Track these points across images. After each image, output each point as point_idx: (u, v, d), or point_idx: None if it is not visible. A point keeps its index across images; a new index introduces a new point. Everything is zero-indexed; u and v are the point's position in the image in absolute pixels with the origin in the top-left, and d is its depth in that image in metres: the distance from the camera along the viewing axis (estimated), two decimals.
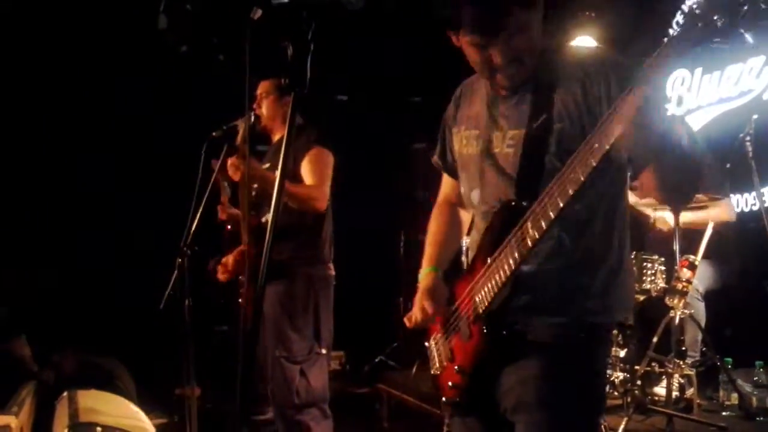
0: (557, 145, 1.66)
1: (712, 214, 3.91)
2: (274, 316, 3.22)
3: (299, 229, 3.25)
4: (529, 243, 1.59)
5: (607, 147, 1.45)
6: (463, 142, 1.88)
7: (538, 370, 1.68)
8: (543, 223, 1.56)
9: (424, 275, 1.93)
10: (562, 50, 1.77)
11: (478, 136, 1.83)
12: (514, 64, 1.68)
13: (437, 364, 1.90)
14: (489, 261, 1.71)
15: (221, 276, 3.39)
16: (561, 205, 1.52)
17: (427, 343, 1.96)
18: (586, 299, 1.70)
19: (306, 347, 3.26)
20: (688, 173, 1.65)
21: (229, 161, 3.17)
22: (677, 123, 1.57)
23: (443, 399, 1.85)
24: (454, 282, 1.88)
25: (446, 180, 2.08)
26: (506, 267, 1.65)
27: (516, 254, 1.63)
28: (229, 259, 3.36)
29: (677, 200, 1.74)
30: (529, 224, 1.60)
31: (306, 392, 3.23)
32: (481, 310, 1.72)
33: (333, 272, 3.43)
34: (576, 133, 1.63)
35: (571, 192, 1.50)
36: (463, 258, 2.55)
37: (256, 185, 3.18)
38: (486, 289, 1.71)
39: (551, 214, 1.54)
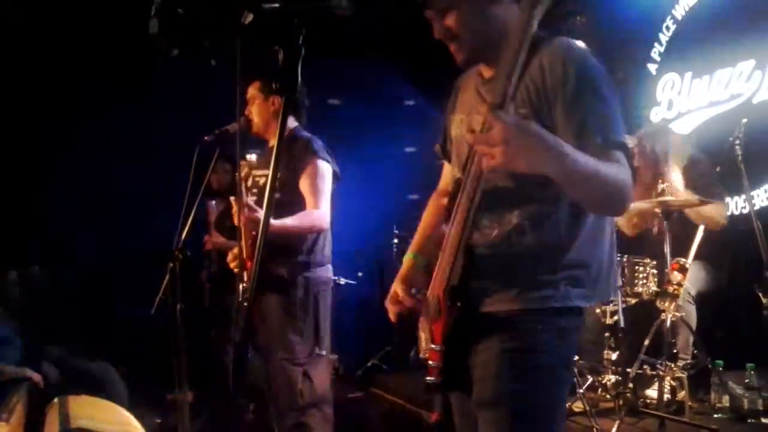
0: None
1: (705, 210, 3.92)
2: (276, 321, 3.23)
3: (294, 241, 3.26)
4: (464, 210, 1.70)
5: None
6: (456, 125, 1.96)
7: (495, 365, 1.71)
8: (470, 188, 1.67)
9: (405, 260, 2.01)
10: (546, 42, 1.77)
11: (463, 119, 1.92)
12: (450, 39, 1.80)
13: (424, 347, 1.93)
14: (446, 234, 1.80)
15: (233, 265, 3.35)
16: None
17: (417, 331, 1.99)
18: (547, 285, 1.72)
19: (307, 349, 3.27)
20: (601, 196, 1.64)
21: (243, 218, 3.11)
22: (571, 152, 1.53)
23: (427, 379, 1.87)
24: (433, 266, 1.92)
25: (446, 169, 2.15)
26: (455, 238, 1.74)
27: (458, 226, 1.73)
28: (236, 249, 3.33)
29: (608, 214, 1.77)
30: (464, 192, 1.71)
31: (309, 394, 3.25)
32: (445, 285, 1.77)
33: (332, 275, 3.45)
34: (534, 120, 1.65)
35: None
36: None
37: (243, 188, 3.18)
38: (447, 263, 1.78)
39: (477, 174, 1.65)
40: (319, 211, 3.25)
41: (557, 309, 1.74)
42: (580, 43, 1.87)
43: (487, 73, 1.88)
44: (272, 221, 3.21)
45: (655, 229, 4.15)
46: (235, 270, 3.25)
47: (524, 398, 1.71)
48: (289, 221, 3.15)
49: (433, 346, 1.83)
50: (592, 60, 1.75)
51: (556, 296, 1.73)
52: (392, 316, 1.97)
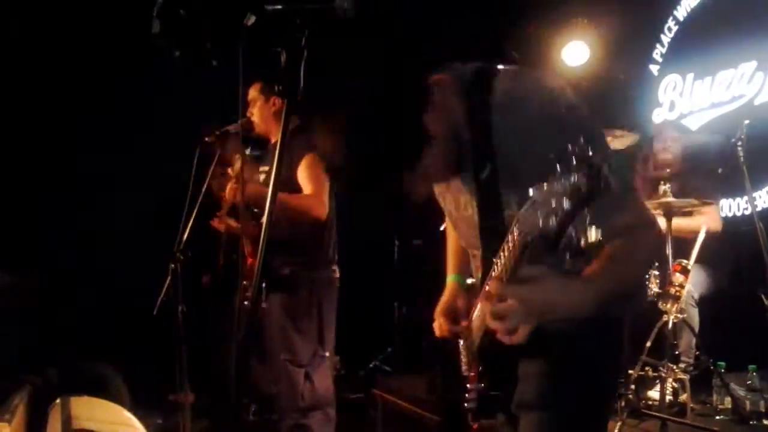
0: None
1: (701, 221, 3.93)
2: (279, 320, 3.23)
3: (299, 239, 3.25)
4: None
5: None
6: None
7: (540, 366, 1.62)
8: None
9: (448, 284, 1.91)
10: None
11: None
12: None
13: (463, 368, 1.85)
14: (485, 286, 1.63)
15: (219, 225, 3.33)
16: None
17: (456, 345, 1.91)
18: None
19: (310, 350, 3.27)
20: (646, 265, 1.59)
21: (228, 186, 3.16)
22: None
23: (465, 405, 1.77)
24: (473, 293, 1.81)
25: None
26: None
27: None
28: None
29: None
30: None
31: (311, 395, 3.24)
32: (476, 346, 1.67)
33: (337, 274, 3.42)
34: None
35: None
36: None
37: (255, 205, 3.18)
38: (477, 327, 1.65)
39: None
40: (316, 197, 3.22)
41: (600, 320, 1.58)
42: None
43: None
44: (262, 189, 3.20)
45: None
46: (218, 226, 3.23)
47: (571, 404, 1.62)
48: (286, 196, 3.10)
49: (471, 372, 1.75)
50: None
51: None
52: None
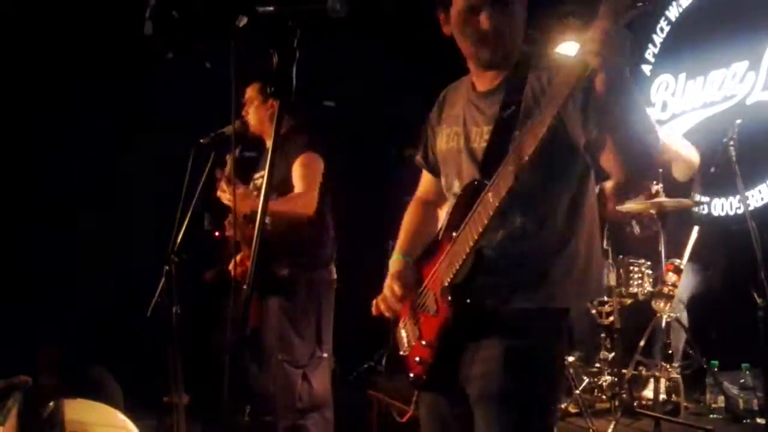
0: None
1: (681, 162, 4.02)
2: (277, 321, 3.23)
3: (297, 236, 3.25)
4: (490, 211, 1.68)
5: (555, 111, 1.56)
6: (445, 139, 1.98)
7: (497, 363, 1.75)
8: (502, 190, 1.65)
9: (393, 261, 2.02)
10: (538, 57, 1.86)
11: (458, 132, 1.93)
12: (497, 35, 1.78)
13: (406, 345, 1.96)
14: (454, 236, 1.81)
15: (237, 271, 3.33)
16: (515, 173, 1.62)
17: (396, 328, 2.02)
18: (547, 285, 1.78)
19: (308, 351, 3.27)
20: (649, 143, 1.67)
21: (218, 188, 3.16)
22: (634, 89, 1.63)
23: (410, 376, 1.93)
24: (422, 267, 1.96)
25: (426, 177, 2.18)
26: (470, 240, 1.74)
27: (478, 226, 1.72)
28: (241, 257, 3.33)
29: (637, 174, 1.76)
30: (489, 194, 1.69)
31: (309, 396, 3.24)
32: (446, 282, 1.80)
33: (335, 275, 3.43)
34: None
35: (526, 157, 1.60)
36: None
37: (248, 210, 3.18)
38: (451, 263, 1.79)
39: (511, 174, 1.63)
40: (305, 195, 3.22)
41: (557, 309, 1.80)
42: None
43: (482, 85, 1.90)
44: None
45: (637, 230, 4.20)
46: (237, 276, 3.24)
47: (529, 394, 1.76)
48: (274, 204, 3.11)
49: (423, 342, 1.86)
50: None
51: (556, 296, 1.79)
52: (388, 314, 1.98)
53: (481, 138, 1.85)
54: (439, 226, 2.06)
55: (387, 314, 1.98)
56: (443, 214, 2.11)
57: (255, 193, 3.35)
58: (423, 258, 1.98)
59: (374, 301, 2.00)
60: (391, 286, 1.94)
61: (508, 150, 1.70)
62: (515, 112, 1.77)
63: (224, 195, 3.17)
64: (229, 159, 3.19)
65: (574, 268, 1.80)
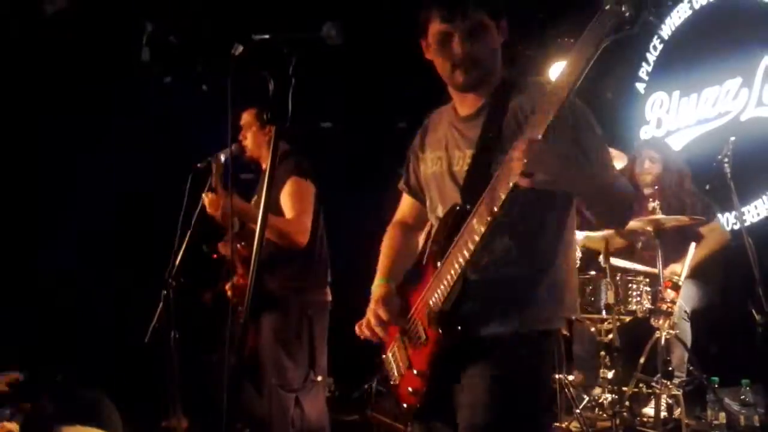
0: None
1: (711, 242, 4.00)
2: (269, 345, 3.20)
3: (289, 259, 3.24)
4: (476, 237, 1.68)
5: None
6: (429, 163, 2.00)
7: (484, 393, 1.75)
8: (486, 217, 1.66)
9: (377, 286, 2.01)
10: (520, 82, 1.90)
11: (440, 156, 1.96)
12: (470, 60, 1.83)
13: (396, 374, 1.95)
14: (439, 265, 1.81)
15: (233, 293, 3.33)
16: (498, 204, 1.63)
17: (384, 356, 2.01)
18: (533, 308, 1.80)
19: (301, 375, 3.23)
20: (617, 208, 1.80)
21: (207, 198, 3.17)
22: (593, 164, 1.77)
23: (404, 406, 1.91)
24: (407, 294, 1.96)
25: (405, 201, 2.20)
26: (456, 265, 1.74)
27: (465, 252, 1.72)
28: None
29: (616, 227, 1.89)
30: (474, 221, 1.70)
31: (301, 421, 3.21)
32: (435, 310, 1.80)
33: (329, 297, 3.40)
34: None
35: (503, 196, 1.62)
36: None
37: (236, 219, 3.19)
38: (438, 291, 1.80)
39: (495, 207, 1.64)
40: (297, 223, 3.19)
41: (544, 332, 1.82)
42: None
43: (463, 110, 1.93)
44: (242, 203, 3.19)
45: (639, 245, 4.22)
46: (233, 299, 3.22)
47: (516, 425, 1.76)
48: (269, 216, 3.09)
49: (414, 371, 1.85)
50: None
51: (540, 318, 1.80)
52: (374, 339, 1.97)
53: (463, 161, 1.87)
54: (419, 249, 2.08)
55: (372, 339, 1.96)
56: (420, 239, 2.14)
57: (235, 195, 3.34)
58: (408, 283, 1.98)
59: (357, 325, 1.99)
60: (375, 311, 1.93)
61: (489, 174, 1.71)
62: (497, 136, 1.80)
63: (208, 204, 3.16)
64: (214, 166, 3.21)
65: (556, 289, 1.83)
